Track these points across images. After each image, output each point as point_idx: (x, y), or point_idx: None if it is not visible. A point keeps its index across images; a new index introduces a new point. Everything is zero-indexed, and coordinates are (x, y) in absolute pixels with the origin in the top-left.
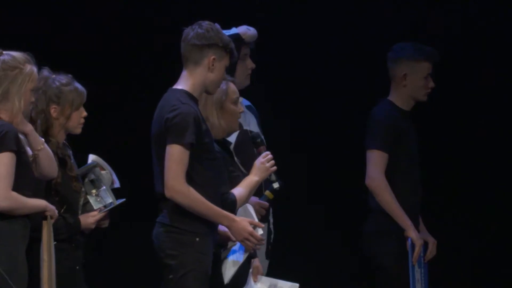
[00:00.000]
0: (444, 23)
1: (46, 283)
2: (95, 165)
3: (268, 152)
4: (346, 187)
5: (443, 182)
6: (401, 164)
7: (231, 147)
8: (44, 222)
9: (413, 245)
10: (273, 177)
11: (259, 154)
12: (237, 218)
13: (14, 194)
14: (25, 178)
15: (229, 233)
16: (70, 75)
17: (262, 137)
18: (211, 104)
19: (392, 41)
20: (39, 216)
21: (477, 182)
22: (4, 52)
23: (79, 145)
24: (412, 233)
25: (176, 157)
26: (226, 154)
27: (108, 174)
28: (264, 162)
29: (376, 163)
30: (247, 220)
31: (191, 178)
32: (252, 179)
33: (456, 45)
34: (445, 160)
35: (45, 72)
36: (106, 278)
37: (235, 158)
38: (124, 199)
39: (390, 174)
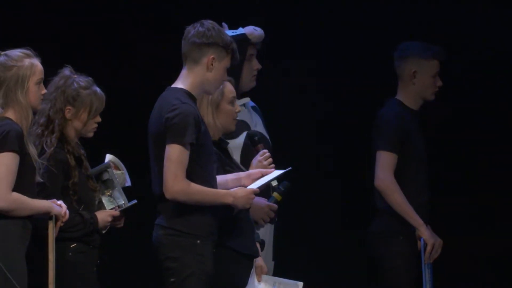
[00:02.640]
0: (450, 24)
1: (51, 283)
2: (109, 165)
3: (265, 150)
4: (352, 188)
5: (449, 182)
6: (409, 165)
7: (236, 147)
8: (50, 222)
9: (425, 245)
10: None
11: (257, 152)
12: (234, 190)
13: (15, 195)
14: (28, 180)
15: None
16: (90, 78)
17: (260, 135)
18: (207, 103)
19: (397, 41)
20: (47, 217)
21: (484, 181)
22: (1, 53)
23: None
24: (424, 232)
25: (175, 157)
26: (223, 154)
27: (122, 175)
28: (261, 160)
29: (385, 164)
30: (242, 188)
31: (190, 180)
32: None
33: (463, 45)
34: (451, 160)
35: (66, 71)
36: (110, 279)
37: (233, 158)
38: (135, 201)
39: (399, 175)
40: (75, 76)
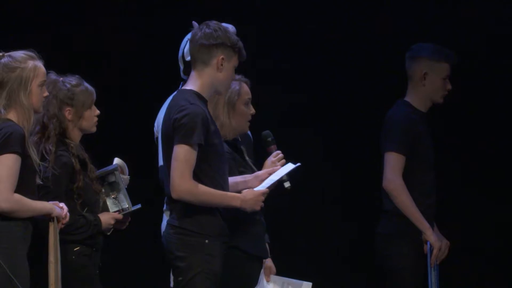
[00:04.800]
0: (457, 26)
1: (53, 285)
2: (116, 168)
3: (279, 151)
4: (360, 188)
5: (455, 183)
6: (417, 167)
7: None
8: (50, 224)
9: (431, 248)
10: (284, 177)
11: (270, 153)
12: (242, 193)
13: (17, 196)
14: (30, 182)
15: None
16: (77, 76)
17: (273, 136)
18: (223, 103)
19: (406, 43)
20: (48, 218)
21: (490, 183)
22: (5, 54)
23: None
24: (430, 236)
25: (182, 156)
26: (237, 154)
27: (127, 180)
28: (275, 161)
29: (393, 165)
30: (250, 190)
31: (199, 179)
32: None
33: (469, 48)
34: (458, 161)
35: (52, 76)
36: (114, 279)
37: (247, 158)
38: (139, 205)
39: (407, 176)
40: (62, 78)
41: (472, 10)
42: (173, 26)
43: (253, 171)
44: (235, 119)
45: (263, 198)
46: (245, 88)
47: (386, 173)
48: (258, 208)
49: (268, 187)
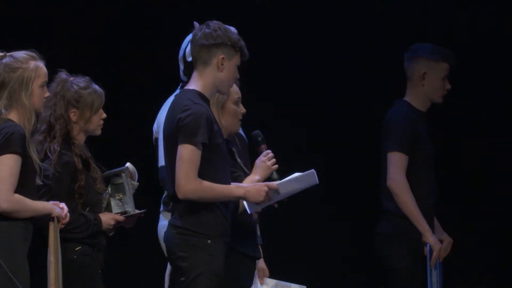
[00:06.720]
0: (455, 26)
1: (53, 285)
2: (125, 170)
3: (269, 151)
4: (358, 188)
5: (455, 183)
6: (418, 166)
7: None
8: (50, 224)
9: (431, 250)
10: (275, 176)
11: (260, 152)
12: (246, 184)
13: (17, 196)
14: (30, 182)
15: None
16: (88, 77)
17: (263, 136)
18: (212, 103)
19: (404, 43)
20: (48, 218)
21: (490, 183)
22: (7, 54)
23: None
24: (430, 238)
25: (187, 156)
26: (229, 155)
27: (135, 186)
28: (265, 161)
29: (397, 164)
30: (259, 183)
31: (202, 179)
32: (253, 178)
33: (467, 47)
34: (456, 162)
35: (63, 75)
36: (115, 279)
37: (238, 159)
38: (145, 210)
39: (407, 176)
40: (72, 78)
41: (471, 10)
42: (173, 26)
43: (244, 173)
44: (225, 118)
45: (266, 189)
46: (235, 87)
47: (389, 172)
48: (261, 198)
49: (278, 184)
